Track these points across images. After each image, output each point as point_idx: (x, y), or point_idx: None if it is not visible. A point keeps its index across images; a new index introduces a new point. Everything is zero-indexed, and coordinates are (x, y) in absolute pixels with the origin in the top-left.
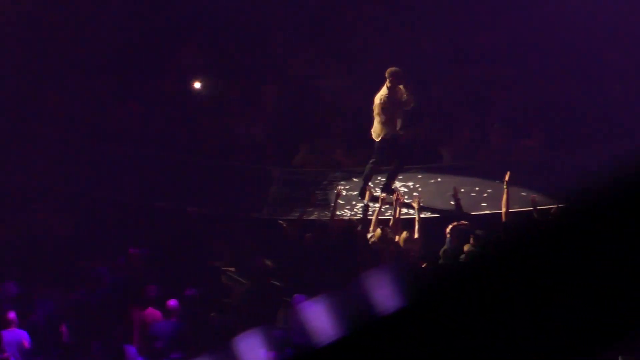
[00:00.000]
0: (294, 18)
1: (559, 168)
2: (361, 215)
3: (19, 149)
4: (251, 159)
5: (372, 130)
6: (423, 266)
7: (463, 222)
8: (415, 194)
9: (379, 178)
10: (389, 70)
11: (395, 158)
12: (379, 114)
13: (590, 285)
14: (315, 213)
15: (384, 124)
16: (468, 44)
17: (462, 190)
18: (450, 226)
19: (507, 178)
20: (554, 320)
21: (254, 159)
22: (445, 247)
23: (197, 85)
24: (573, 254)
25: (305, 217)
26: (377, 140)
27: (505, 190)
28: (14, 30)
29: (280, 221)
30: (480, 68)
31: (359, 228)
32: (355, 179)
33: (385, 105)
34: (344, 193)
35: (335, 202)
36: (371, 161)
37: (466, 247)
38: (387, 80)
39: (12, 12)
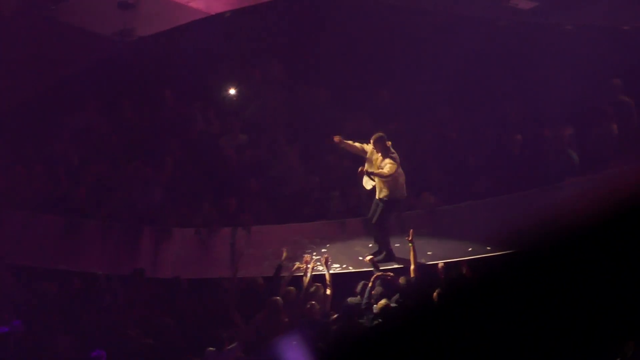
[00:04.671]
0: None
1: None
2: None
3: None
4: (151, 219)
5: (389, 193)
6: (333, 326)
7: (389, 273)
8: (323, 250)
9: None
10: (377, 135)
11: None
12: (395, 176)
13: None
14: (219, 272)
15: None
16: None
17: (369, 245)
18: (374, 276)
19: (410, 237)
20: None
21: (154, 219)
22: (350, 301)
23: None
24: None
25: (208, 276)
26: (388, 200)
27: (412, 247)
28: None
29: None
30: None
31: (262, 286)
32: (259, 239)
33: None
34: (247, 252)
35: (238, 260)
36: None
37: (380, 302)
38: (380, 145)
39: None
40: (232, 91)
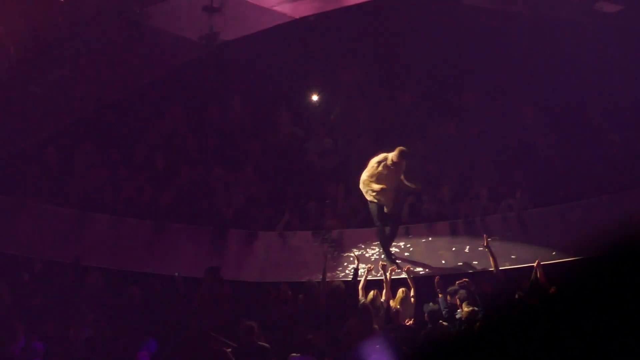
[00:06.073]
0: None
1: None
2: (351, 278)
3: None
4: (235, 223)
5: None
6: (421, 331)
7: (465, 279)
8: (406, 253)
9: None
10: (399, 149)
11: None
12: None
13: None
14: (306, 276)
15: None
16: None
17: (453, 248)
18: (457, 282)
19: (485, 242)
20: None
21: (239, 223)
22: (432, 307)
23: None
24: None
25: (295, 280)
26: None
27: (489, 252)
28: None
29: (269, 284)
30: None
31: (349, 290)
32: (343, 242)
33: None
34: (332, 255)
35: (325, 264)
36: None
37: (465, 307)
38: (397, 155)
39: None
40: (316, 96)
